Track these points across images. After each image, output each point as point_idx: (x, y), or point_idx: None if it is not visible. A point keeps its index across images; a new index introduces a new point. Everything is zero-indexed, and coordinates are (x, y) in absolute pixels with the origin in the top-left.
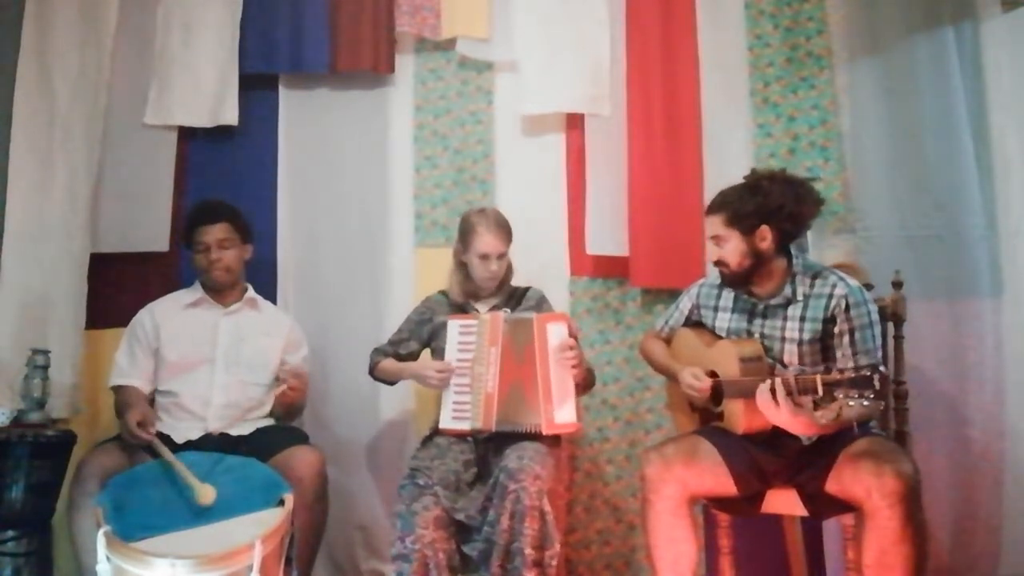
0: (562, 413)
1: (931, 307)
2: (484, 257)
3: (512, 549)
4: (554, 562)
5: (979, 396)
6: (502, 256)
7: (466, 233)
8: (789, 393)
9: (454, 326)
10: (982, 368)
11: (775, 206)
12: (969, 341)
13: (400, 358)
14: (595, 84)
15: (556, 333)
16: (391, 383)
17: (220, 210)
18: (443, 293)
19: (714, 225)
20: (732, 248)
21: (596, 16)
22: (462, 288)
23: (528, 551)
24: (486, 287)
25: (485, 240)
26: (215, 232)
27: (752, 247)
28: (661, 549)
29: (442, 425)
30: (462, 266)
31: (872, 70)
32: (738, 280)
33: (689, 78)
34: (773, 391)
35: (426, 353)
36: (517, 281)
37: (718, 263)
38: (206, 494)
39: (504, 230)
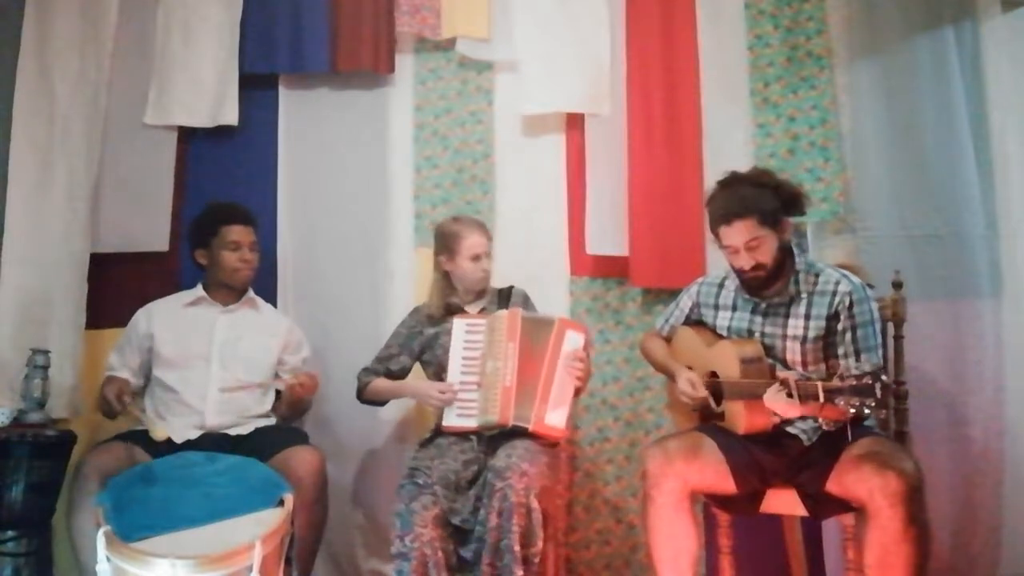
0: (553, 416)
1: (931, 307)
2: (476, 258)
3: (501, 547)
4: (536, 559)
5: (979, 396)
6: (489, 254)
7: (450, 240)
8: (790, 394)
9: (460, 325)
10: (982, 368)
11: (790, 196)
12: (969, 341)
13: (391, 375)
14: (595, 84)
15: (572, 341)
16: (381, 404)
17: (247, 213)
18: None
19: (749, 229)
20: (769, 247)
21: (596, 16)
22: (443, 299)
23: (516, 548)
24: (476, 288)
25: (473, 241)
26: (248, 233)
27: (781, 242)
28: (661, 544)
29: (446, 423)
30: (446, 276)
31: (872, 70)
32: (768, 278)
33: (689, 78)
34: (788, 392)
35: (419, 369)
36: (518, 281)
37: (754, 268)
38: (160, 432)
39: (485, 228)
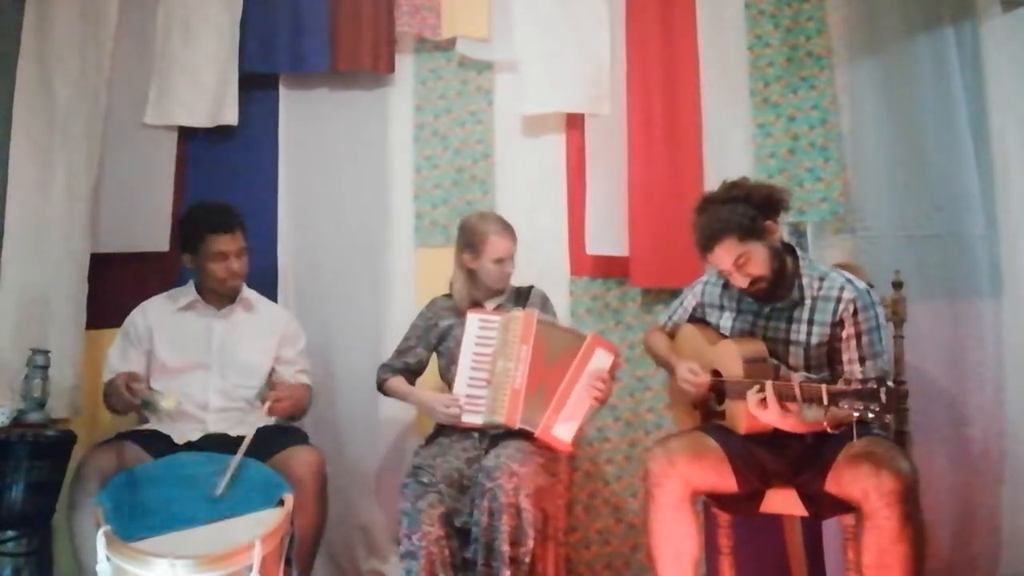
0: (562, 429)
1: (931, 307)
2: (500, 261)
3: (493, 547)
4: (527, 559)
5: (979, 396)
6: (512, 257)
7: (476, 241)
8: (782, 399)
9: (474, 320)
10: (982, 368)
11: (764, 199)
12: (969, 341)
13: (408, 368)
14: (595, 84)
15: (599, 360)
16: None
17: (233, 218)
18: (448, 296)
19: (731, 249)
20: (760, 258)
21: (596, 16)
22: (468, 294)
23: (504, 548)
24: (499, 288)
25: (500, 245)
26: (234, 242)
27: (771, 247)
28: (663, 544)
29: None
30: (470, 273)
31: (872, 70)
32: (776, 285)
33: (689, 78)
34: (763, 400)
35: (434, 376)
36: (517, 281)
37: (753, 283)
38: (169, 400)
39: (512, 231)
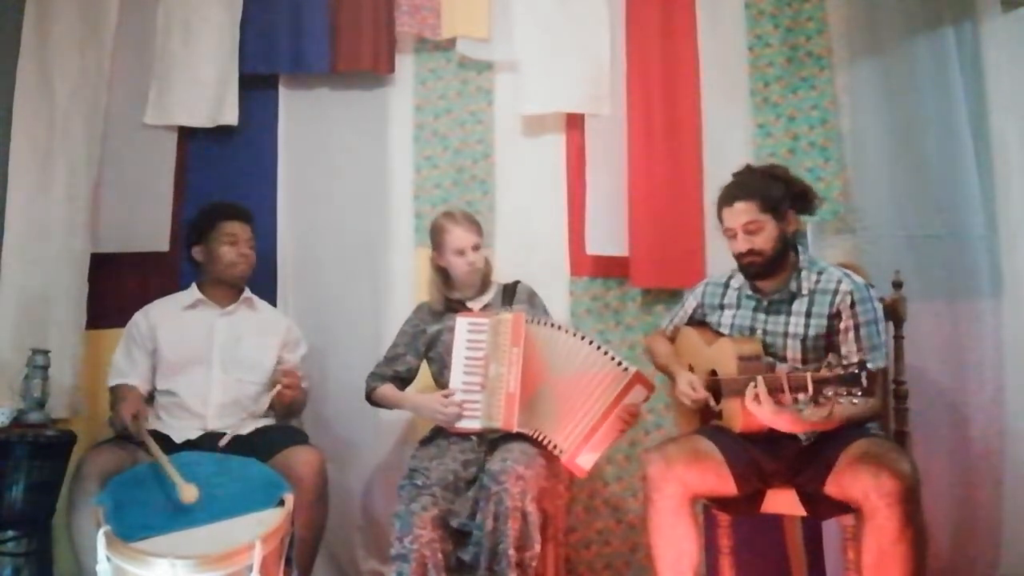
0: (584, 459)
1: (931, 307)
2: (460, 252)
3: (498, 551)
4: (534, 563)
5: (979, 396)
6: (477, 248)
7: (436, 235)
8: (771, 392)
9: (463, 324)
10: (982, 368)
11: (800, 190)
12: (969, 341)
13: (398, 376)
14: (595, 84)
15: (635, 395)
16: (390, 408)
17: (248, 212)
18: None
19: (748, 212)
20: (768, 235)
21: (596, 16)
22: (442, 294)
23: (511, 552)
24: (469, 283)
25: (456, 235)
26: (245, 230)
27: (783, 232)
28: (662, 548)
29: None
30: (440, 271)
31: (872, 70)
32: (768, 268)
33: (689, 78)
34: (756, 394)
35: (426, 376)
36: (514, 279)
37: (749, 253)
38: (189, 493)
39: (473, 223)
